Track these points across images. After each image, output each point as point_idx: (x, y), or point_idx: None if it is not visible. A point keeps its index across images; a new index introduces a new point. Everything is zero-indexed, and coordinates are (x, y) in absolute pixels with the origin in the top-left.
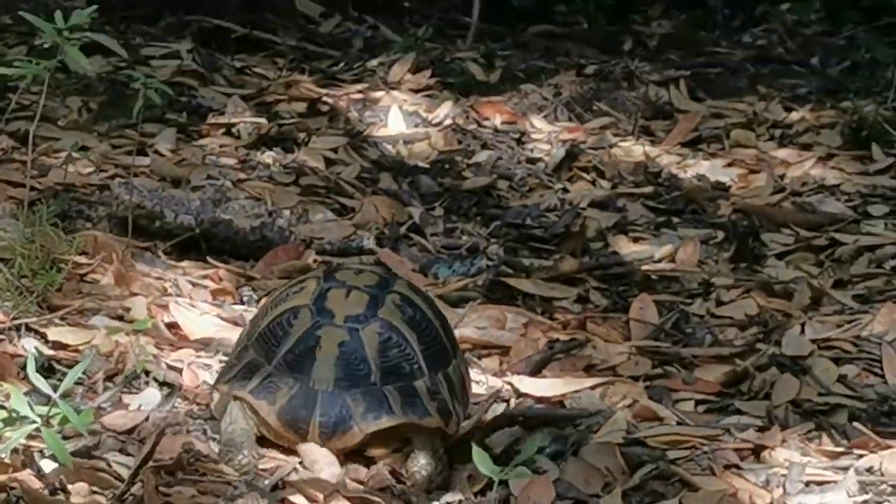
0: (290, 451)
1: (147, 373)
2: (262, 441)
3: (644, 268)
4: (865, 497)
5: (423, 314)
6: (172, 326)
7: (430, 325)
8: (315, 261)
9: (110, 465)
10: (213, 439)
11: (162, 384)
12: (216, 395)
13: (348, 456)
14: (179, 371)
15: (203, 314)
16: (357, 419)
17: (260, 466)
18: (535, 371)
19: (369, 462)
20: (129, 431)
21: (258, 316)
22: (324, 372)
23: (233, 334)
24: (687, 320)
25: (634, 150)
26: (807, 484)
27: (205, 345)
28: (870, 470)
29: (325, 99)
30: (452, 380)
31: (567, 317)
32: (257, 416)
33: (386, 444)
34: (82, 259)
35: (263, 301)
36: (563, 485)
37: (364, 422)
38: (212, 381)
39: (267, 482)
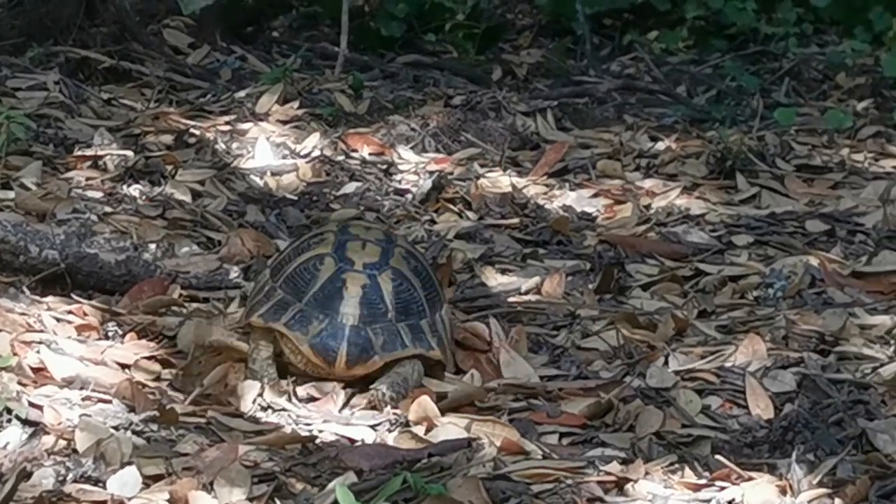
0: None
1: (9, 411)
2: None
3: (510, 299)
4: None
5: (422, 265)
6: (35, 364)
7: (427, 273)
8: (181, 295)
9: None
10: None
11: (24, 422)
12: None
13: None
14: (42, 409)
15: (67, 351)
16: (378, 349)
17: None
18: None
19: None
20: None
21: (279, 264)
22: (350, 309)
23: (97, 372)
24: (553, 352)
25: (501, 180)
26: None
27: (68, 382)
28: (732, 502)
29: (192, 131)
30: (444, 320)
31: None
32: (290, 344)
33: (384, 371)
34: None
35: (279, 253)
36: None
37: (384, 352)
38: (76, 419)
39: None
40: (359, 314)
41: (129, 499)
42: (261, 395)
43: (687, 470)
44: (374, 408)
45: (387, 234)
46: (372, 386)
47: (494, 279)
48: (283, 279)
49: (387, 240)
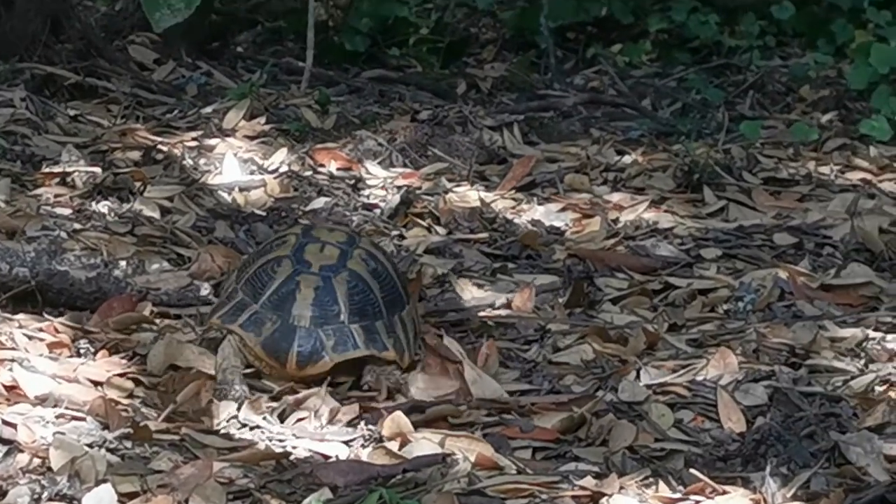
0: None
1: None
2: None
3: (481, 314)
4: None
5: (383, 266)
6: (8, 381)
7: (388, 275)
8: (152, 312)
9: None
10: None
11: None
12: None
13: None
14: (15, 427)
15: (39, 369)
16: (328, 350)
17: None
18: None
19: None
20: None
21: (244, 266)
22: (302, 310)
23: (70, 390)
24: (525, 367)
25: (469, 195)
26: None
27: (42, 400)
28: None
29: (159, 147)
30: (405, 322)
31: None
32: (245, 345)
33: (348, 372)
34: None
35: (247, 256)
36: None
37: (334, 353)
38: (50, 437)
39: None
40: (310, 315)
41: None
42: (238, 408)
43: (661, 484)
44: (370, 389)
45: (350, 236)
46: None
47: (470, 292)
48: (244, 281)
49: (348, 242)
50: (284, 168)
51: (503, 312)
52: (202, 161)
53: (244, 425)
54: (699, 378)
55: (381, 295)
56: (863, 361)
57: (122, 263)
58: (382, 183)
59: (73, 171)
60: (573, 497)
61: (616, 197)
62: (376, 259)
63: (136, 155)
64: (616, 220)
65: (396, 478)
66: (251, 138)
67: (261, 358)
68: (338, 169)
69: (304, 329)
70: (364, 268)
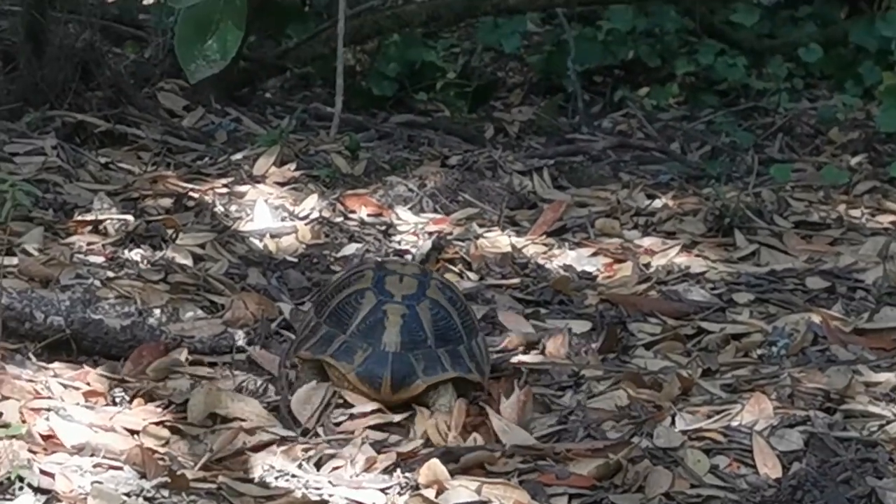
0: None
1: (21, 479)
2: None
3: (513, 360)
4: None
5: (456, 296)
6: (45, 431)
7: (462, 304)
8: (187, 359)
9: None
10: None
11: (37, 490)
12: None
13: None
14: (53, 476)
15: (76, 418)
16: (420, 374)
17: None
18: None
19: None
20: None
21: (321, 302)
22: (392, 337)
23: (107, 439)
24: (560, 413)
25: (500, 240)
26: None
27: (79, 449)
28: None
29: (191, 194)
30: (480, 346)
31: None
32: (336, 373)
33: (427, 394)
34: None
35: (320, 292)
36: None
37: (426, 376)
38: (88, 487)
39: None
40: (400, 342)
41: None
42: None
43: None
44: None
45: (421, 269)
46: (434, 408)
47: (497, 339)
48: (326, 315)
49: (422, 273)
50: (315, 214)
51: (537, 358)
52: (233, 208)
53: (281, 473)
54: (734, 423)
55: (459, 321)
56: None
57: (157, 311)
58: (413, 228)
59: (106, 219)
60: None
61: (647, 241)
62: (450, 289)
63: (167, 202)
64: (647, 265)
65: None
66: (281, 185)
67: (354, 385)
68: (368, 215)
69: (396, 354)
70: (442, 296)
